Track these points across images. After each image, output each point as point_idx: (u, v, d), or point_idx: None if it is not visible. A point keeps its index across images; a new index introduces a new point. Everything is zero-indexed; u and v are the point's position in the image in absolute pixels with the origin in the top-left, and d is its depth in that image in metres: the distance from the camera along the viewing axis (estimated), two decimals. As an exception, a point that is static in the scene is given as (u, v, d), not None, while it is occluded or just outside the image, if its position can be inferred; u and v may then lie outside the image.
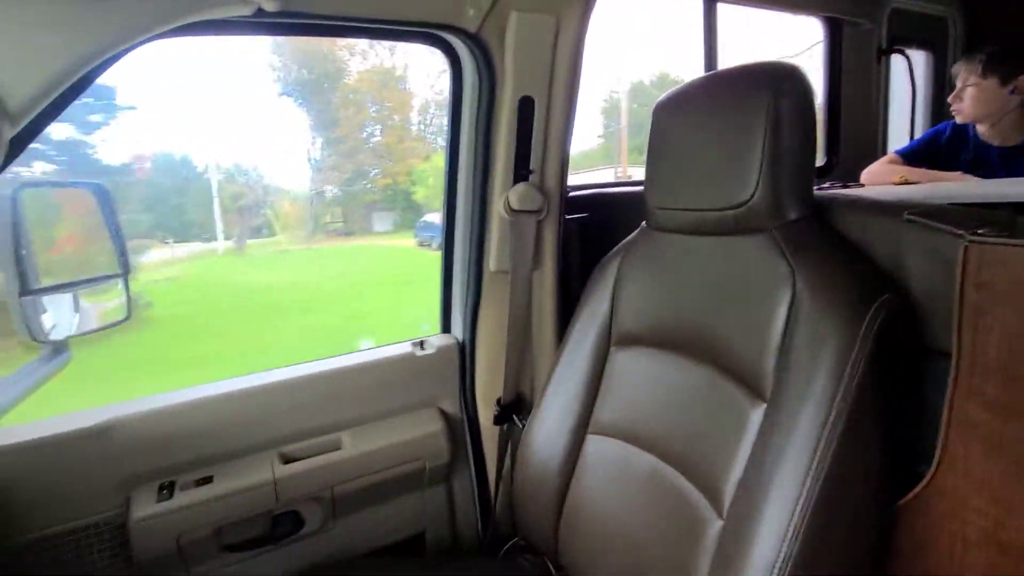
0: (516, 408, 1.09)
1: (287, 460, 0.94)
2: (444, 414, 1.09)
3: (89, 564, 0.82)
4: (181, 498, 0.84)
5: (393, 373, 1.05)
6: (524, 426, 0.98)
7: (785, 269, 0.64)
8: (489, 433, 1.10)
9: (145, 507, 0.82)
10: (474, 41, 0.95)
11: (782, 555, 0.55)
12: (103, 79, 0.75)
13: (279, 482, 0.91)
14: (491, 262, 1.06)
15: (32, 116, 0.65)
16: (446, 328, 1.18)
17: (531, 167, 1.03)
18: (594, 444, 0.85)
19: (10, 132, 0.67)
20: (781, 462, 0.58)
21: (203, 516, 0.85)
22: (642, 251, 0.87)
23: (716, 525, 0.64)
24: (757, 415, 0.64)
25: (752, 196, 0.66)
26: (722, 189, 0.70)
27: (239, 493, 0.88)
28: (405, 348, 1.09)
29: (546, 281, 1.10)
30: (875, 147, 1.85)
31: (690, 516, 0.68)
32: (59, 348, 1.00)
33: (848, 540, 0.59)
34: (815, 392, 0.58)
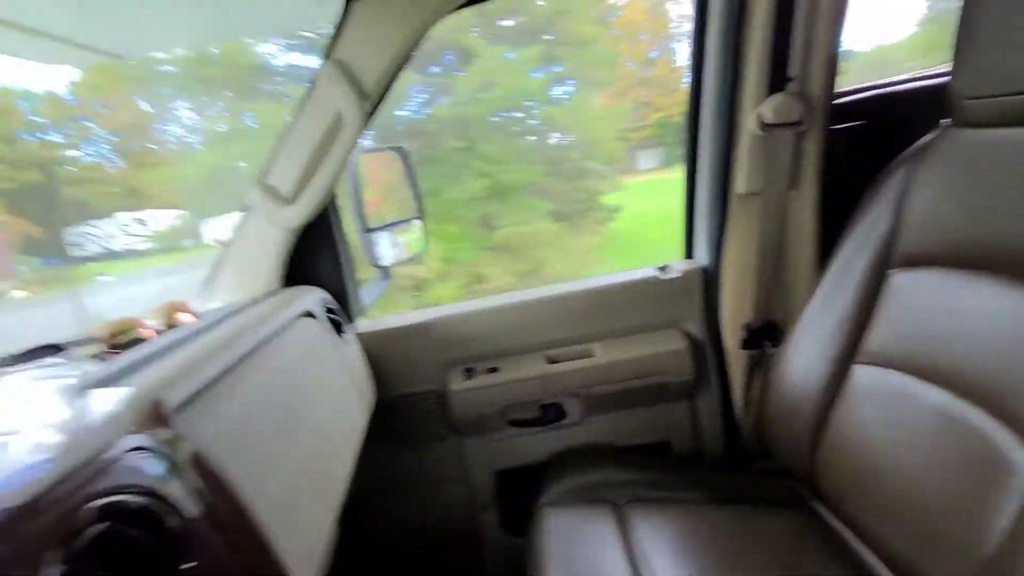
0: (766, 334, 1.06)
1: (551, 361, 1.13)
2: (687, 335, 1.13)
3: (427, 417, 1.16)
4: (479, 380, 1.11)
5: (637, 295, 1.14)
6: (776, 352, 0.96)
7: None
8: (735, 357, 1.10)
9: (456, 384, 1.11)
10: None
11: None
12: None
13: (546, 378, 1.10)
14: (739, 183, 1.03)
15: (382, 91, 0.90)
16: (689, 254, 1.20)
17: (790, 74, 0.94)
18: (864, 374, 0.79)
19: (367, 108, 0.94)
20: None
21: (493, 395, 1.11)
22: (941, 154, 0.73)
23: None
24: None
25: None
26: None
27: (517, 382, 1.10)
28: (649, 272, 1.15)
29: (805, 201, 1.00)
30: None
31: (996, 457, 0.60)
32: (386, 273, 1.38)
33: None
34: None
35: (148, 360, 0.57)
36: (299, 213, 0.97)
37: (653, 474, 1.02)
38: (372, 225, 1.19)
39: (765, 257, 1.02)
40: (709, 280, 1.12)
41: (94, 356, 0.67)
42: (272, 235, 0.99)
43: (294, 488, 0.62)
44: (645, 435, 1.18)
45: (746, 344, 1.08)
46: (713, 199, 1.08)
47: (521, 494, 1.08)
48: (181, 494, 0.39)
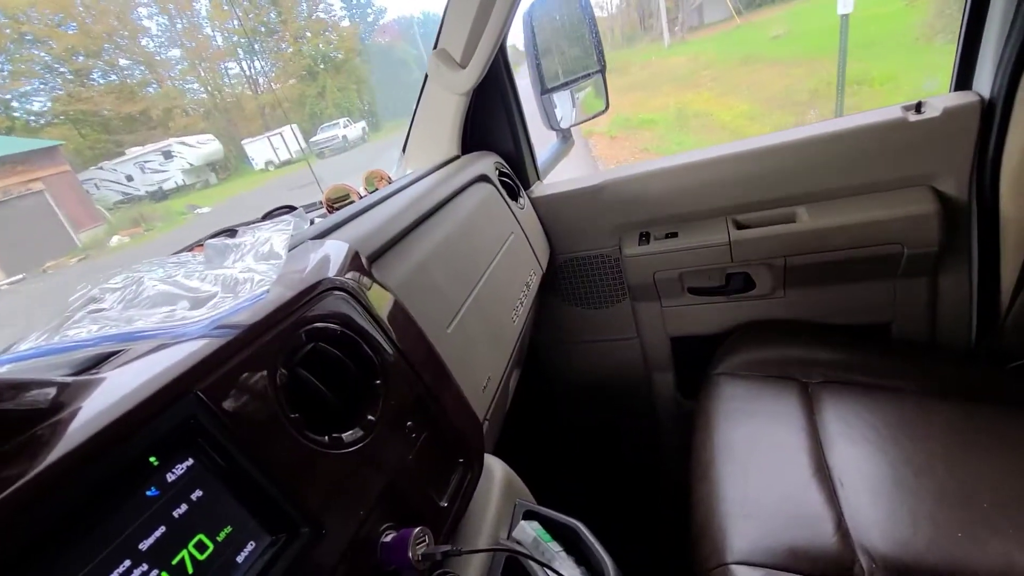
0: None
1: (740, 226, 1.00)
2: (939, 195, 0.87)
3: (602, 280, 1.16)
4: (655, 245, 1.05)
5: (870, 144, 0.89)
6: None
7: None
8: (1016, 225, 0.82)
9: (631, 248, 1.07)
10: None
11: None
12: None
13: (733, 244, 0.99)
14: None
15: None
16: (963, 83, 0.87)
17: None
18: None
19: None
20: None
21: (670, 261, 1.04)
22: None
23: None
24: None
25: None
26: None
27: (698, 248, 1.01)
28: (892, 113, 0.88)
29: None
30: None
31: None
32: (566, 135, 1.32)
33: None
34: None
35: (352, 218, 0.66)
36: (470, 75, 0.96)
37: (860, 356, 0.88)
38: (550, 85, 1.13)
39: None
40: (992, 119, 0.81)
41: (317, 214, 0.82)
42: (448, 101, 1.01)
43: (472, 328, 0.70)
44: (856, 314, 1.00)
45: None
46: (1018, 5, 0.73)
47: (700, 361, 1.05)
48: (371, 326, 0.47)
